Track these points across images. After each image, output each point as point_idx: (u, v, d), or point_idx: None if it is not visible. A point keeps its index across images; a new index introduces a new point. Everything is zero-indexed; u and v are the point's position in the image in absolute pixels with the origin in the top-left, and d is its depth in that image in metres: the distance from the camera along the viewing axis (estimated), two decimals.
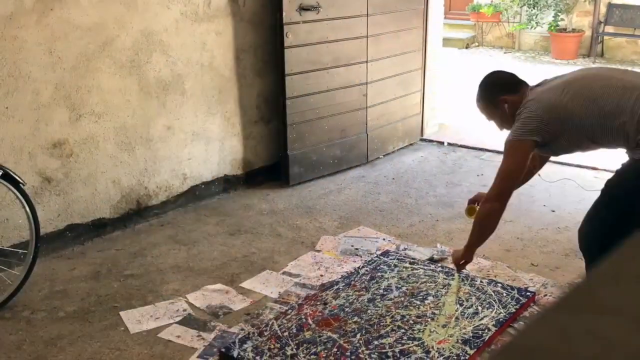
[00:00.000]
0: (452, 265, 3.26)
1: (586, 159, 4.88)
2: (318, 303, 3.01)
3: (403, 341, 2.70)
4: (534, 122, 2.56)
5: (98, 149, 3.72)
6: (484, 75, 2.87)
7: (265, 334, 2.77)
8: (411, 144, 5.55)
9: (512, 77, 2.83)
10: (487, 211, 2.70)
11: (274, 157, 4.71)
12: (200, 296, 3.17)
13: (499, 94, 2.74)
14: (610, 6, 9.78)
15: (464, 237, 3.72)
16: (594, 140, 2.58)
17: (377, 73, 4.98)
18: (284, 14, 4.21)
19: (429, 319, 2.85)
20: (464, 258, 2.95)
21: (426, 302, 3.00)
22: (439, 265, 3.38)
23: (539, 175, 3.21)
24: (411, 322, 2.84)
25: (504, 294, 3.03)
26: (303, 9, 4.31)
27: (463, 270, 3.09)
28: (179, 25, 3.96)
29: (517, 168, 2.64)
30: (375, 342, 2.69)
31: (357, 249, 3.66)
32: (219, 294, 3.20)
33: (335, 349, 2.64)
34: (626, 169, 2.56)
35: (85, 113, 3.62)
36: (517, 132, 2.60)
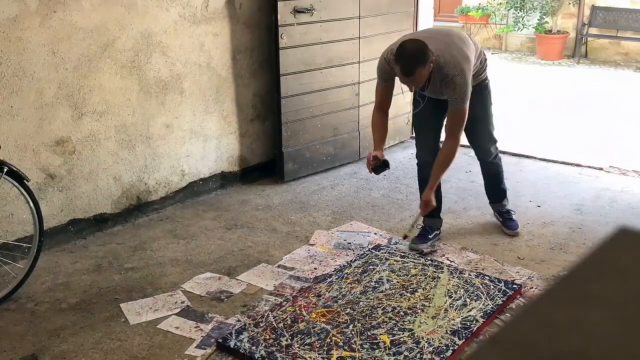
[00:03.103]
0: (441, 259, 3.35)
1: (571, 156, 5.01)
2: (312, 295, 3.08)
3: (394, 332, 2.77)
4: (469, 86, 3.18)
5: (100, 146, 3.77)
6: (409, 43, 3.10)
7: (261, 325, 2.83)
8: (401, 142, 5.60)
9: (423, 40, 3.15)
10: (455, 148, 3.29)
11: (269, 155, 4.76)
12: (195, 285, 3.25)
13: (431, 55, 3.07)
14: (594, 9, 9.86)
15: (453, 232, 3.84)
16: None
17: (368, 73, 5.04)
18: (279, 16, 4.27)
19: (419, 311, 2.93)
20: (429, 198, 3.37)
21: (416, 294, 3.07)
22: (429, 258, 3.45)
23: None
24: (402, 313, 2.91)
25: (492, 287, 3.11)
26: (297, 11, 4.38)
27: (451, 264, 3.18)
28: (177, 27, 4.02)
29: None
30: (368, 333, 2.76)
31: (349, 243, 3.73)
32: (213, 280, 3.32)
33: (328, 340, 2.71)
34: None
35: (87, 112, 3.67)
36: (465, 98, 3.17)
